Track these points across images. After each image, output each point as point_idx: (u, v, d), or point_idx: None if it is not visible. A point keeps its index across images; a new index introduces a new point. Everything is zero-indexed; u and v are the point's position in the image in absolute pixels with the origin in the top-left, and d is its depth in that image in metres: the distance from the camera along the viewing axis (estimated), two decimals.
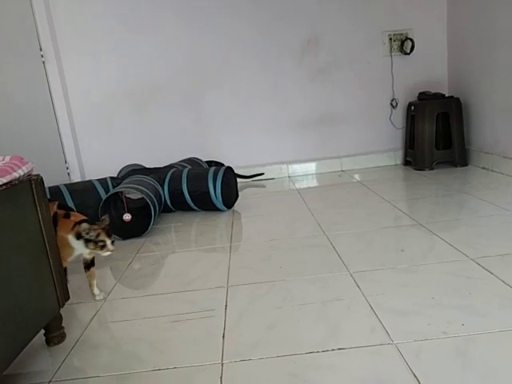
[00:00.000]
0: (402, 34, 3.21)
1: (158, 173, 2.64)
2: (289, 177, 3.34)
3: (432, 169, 3.03)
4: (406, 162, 3.28)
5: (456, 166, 3.03)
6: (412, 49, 3.19)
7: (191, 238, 2.17)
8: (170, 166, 2.79)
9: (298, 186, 3.06)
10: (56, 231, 1.38)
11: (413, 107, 3.14)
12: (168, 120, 3.27)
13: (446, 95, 3.13)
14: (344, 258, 1.64)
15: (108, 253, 1.43)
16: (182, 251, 1.97)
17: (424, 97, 3.11)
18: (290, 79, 3.26)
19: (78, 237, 1.41)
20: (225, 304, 1.38)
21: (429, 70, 3.28)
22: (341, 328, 1.17)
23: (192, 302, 1.43)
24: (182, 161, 2.98)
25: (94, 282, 1.55)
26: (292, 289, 1.44)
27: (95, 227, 1.42)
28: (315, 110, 3.31)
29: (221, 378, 1.02)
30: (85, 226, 1.40)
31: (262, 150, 3.34)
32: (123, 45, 3.15)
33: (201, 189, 2.45)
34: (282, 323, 1.23)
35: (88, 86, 3.19)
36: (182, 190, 2.47)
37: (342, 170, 3.33)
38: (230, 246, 1.94)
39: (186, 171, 2.55)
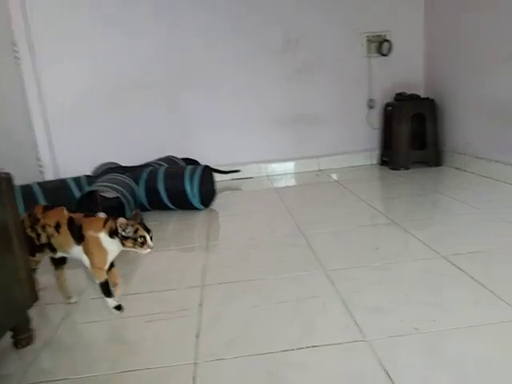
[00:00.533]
0: (379, 36, 3.26)
1: (134, 171, 2.60)
2: (267, 176, 3.34)
3: (407, 169, 3.08)
4: (383, 162, 3.33)
5: (430, 166, 3.10)
6: (389, 50, 3.24)
7: (167, 237, 2.14)
8: (147, 165, 2.75)
9: (276, 185, 3.07)
10: (81, 235, 1.29)
11: (389, 108, 3.19)
12: (143, 117, 3.22)
13: (422, 96, 3.19)
14: (320, 256, 1.65)
15: (148, 250, 1.27)
16: (158, 251, 1.94)
17: (400, 98, 3.16)
18: (268, 78, 3.26)
19: (112, 234, 1.26)
20: (200, 303, 1.37)
21: (405, 71, 3.34)
22: (315, 326, 1.17)
23: (167, 301, 1.41)
24: (158, 159, 2.95)
25: (120, 281, 1.39)
26: (269, 287, 1.43)
27: (132, 222, 1.26)
28: (293, 110, 3.32)
29: (194, 378, 1.00)
30: (122, 220, 1.23)
31: (240, 149, 3.34)
32: (97, 41, 3.09)
33: (178, 187, 2.42)
34: (258, 322, 1.23)
35: (62, 82, 3.11)
36: (158, 188, 2.44)
37: (320, 170, 3.36)
38: (207, 245, 1.93)
39: (162, 170, 2.52)
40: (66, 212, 1.35)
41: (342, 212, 2.23)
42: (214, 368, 1.04)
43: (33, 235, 1.35)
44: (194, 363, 1.06)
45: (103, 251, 1.28)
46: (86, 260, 1.31)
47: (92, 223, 1.30)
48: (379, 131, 3.37)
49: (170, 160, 2.95)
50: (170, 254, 1.89)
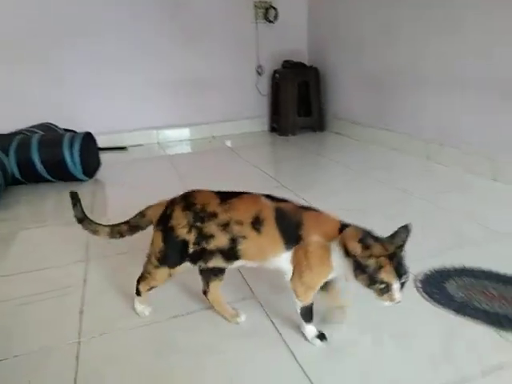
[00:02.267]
0: (266, 2, 3.27)
1: (0, 140, 2.28)
2: (158, 143, 3.22)
3: (295, 134, 3.23)
4: (272, 129, 3.44)
5: (315, 131, 3.29)
6: (276, 17, 3.28)
7: (46, 212, 1.96)
8: (17, 133, 2.43)
9: (168, 152, 2.98)
10: (297, 237, 0.89)
11: (277, 75, 3.27)
12: (17, 80, 2.81)
13: (307, 65, 3.33)
14: None
15: (388, 303, 0.83)
16: (35, 227, 1.76)
17: (287, 65, 3.26)
18: (156, 43, 3.08)
19: (347, 252, 0.84)
20: (84, 279, 1.29)
21: (291, 39, 3.43)
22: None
23: (46, 280, 1.30)
24: (32, 126, 2.62)
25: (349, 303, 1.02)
26: None
27: (379, 251, 0.80)
28: (184, 75, 3.21)
29: (77, 357, 0.95)
30: (355, 246, 0.81)
31: (129, 115, 3.14)
32: None
33: (56, 157, 2.19)
34: None
35: None
36: (32, 158, 2.18)
37: (213, 136, 3.34)
38: (92, 218, 1.81)
39: (36, 138, 2.25)
40: (267, 201, 0.94)
41: (233, 177, 2.27)
42: (100, 344, 1.00)
43: (189, 237, 0.94)
44: (78, 342, 1.00)
45: (325, 266, 0.89)
46: (289, 271, 0.92)
47: (322, 224, 0.90)
48: (268, 98, 3.44)
49: (45, 127, 2.64)
50: (48, 230, 1.73)
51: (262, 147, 3.10)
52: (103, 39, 2.95)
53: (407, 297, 0.84)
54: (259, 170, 2.39)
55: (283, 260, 0.91)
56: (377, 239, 0.81)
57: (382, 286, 0.80)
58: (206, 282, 1.06)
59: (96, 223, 1.09)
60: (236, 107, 3.39)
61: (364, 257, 0.80)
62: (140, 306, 1.09)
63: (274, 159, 2.87)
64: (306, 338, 0.96)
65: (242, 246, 0.92)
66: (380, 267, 0.80)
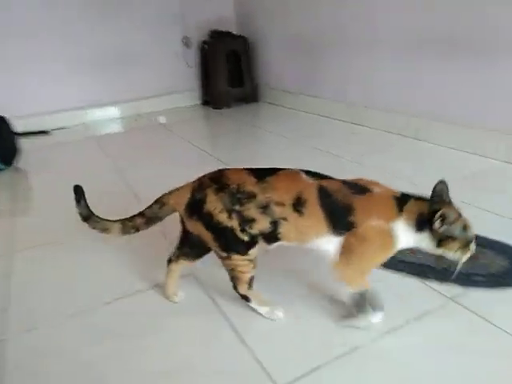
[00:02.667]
0: None
1: None
2: (84, 124, 3.02)
3: (229, 107, 3.18)
4: (205, 102, 3.35)
5: (248, 102, 3.26)
6: None
7: None
8: None
9: (96, 133, 2.81)
10: (347, 222, 0.81)
11: (205, 45, 3.16)
12: None
13: (235, 34, 3.25)
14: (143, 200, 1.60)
15: (466, 257, 0.83)
16: None
17: (215, 35, 3.16)
18: (76, 16, 2.84)
19: (422, 225, 0.80)
20: (9, 272, 1.20)
21: (217, 7, 3.32)
22: (147, 269, 1.16)
23: None
24: None
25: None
26: (82, 246, 1.32)
27: (457, 212, 0.80)
28: (107, 51, 3.00)
29: (2, 355, 0.89)
30: (447, 210, 0.78)
31: (49, 96, 2.90)
32: None
33: None
34: (75, 281, 1.15)
35: None
36: None
37: (139, 114, 3.17)
38: (14, 209, 1.68)
39: None
40: (308, 178, 0.85)
41: (166, 155, 2.20)
42: (28, 340, 0.94)
43: (232, 224, 0.85)
44: (2, 340, 0.93)
45: (387, 250, 0.83)
46: (332, 254, 0.85)
47: (377, 205, 0.81)
48: (198, 70, 3.34)
49: None
50: None
51: (195, 122, 3.02)
52: (18, 13, 2.67)
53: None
54: (193, 145, 2.33)
55: (328, 243, 0.84)
56: (440, 203, 0.79)
57: (468, 242, 0.80)
58: (180, 256, 0.97)
59: (105, 220, 0.94)
60: (165, 82, 3.25)
61: (450, 223, 0.78)
62: (264, 307, 0.93)
63: (208, 133, 2.82)
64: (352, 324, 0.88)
65: (282, 229, 0.84)
66: (465, 226, 0.80)
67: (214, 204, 0.84)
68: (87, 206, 0.94)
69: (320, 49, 2.62)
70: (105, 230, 0.94)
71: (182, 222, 0.93)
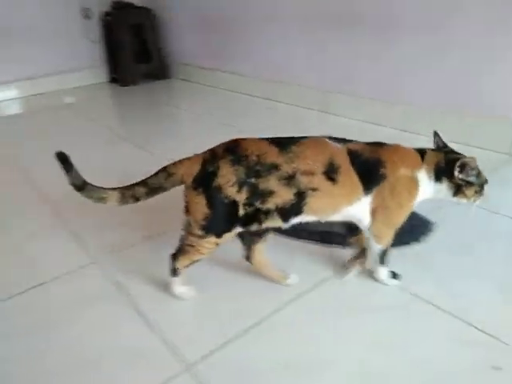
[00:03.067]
0: None
1: None
2: None
3: (137, 84, 3.01)
4: (113, 79, 3.14)
5: (159, 79, 3.11)
6: None
7: None
8: None
9: None
10: (378, 176, 0.83)
11: (108, 17, 2.94)
12: None
13: (139, 5, 3.05)
14: (43, 190, 1.48)
15: (479, 202, 0.88)
16: None
17: (117, 6, 2.95)
18: None
19: (440, 175, 0.85)
20: None
21: None
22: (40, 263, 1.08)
23: None
24: None
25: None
26: None
27: (469, 159, 0.85)
28: None
29: None
30: (469, 160, 0.83)
31: None
32: None
33: None
34: None
35: None
36: None
37: (45, 93, 2.89)
38: None
39: None
40: (336, 144, 0.84)
41: (74, 136, 2.03)
42: None
43: (239, 198, 0.80)
44: None
45: (414, 199, 0.87)
46: (364, 217, 0.87)
47: (402, 155, 0.86)
48: (101, 45, 3.10)
49: None
50: None
51: (102, 100, 2.83)
52: None
53: None
54: (101, 125, 2.19)
55: (360, 207, 0.85)
56: (453, 153, 0.88)
57: (481, 188, 0.87)
58: (249, 246, 0.92)
59: (101, 188, 0.86)
60: (65, 58, 2.97)
61: (470, 171, 0.84)
62: (180, 287, 0.91)
63: (116, 113, 2.67)
64: (377, 279, 0.94)
65: (310, 200, 0.81)
66: (478, 173, 0.85)
67: (227, 177, 0.79)
68: (79, 175, 0.85)
69: (233, 24, 2.57)
70: (101, 199, 0.87)
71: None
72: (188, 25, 2.92)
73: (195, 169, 0.82)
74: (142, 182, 0.86)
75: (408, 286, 0.93)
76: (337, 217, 0.86)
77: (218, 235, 0.84)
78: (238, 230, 0.84)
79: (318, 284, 0.96)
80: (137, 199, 0.86)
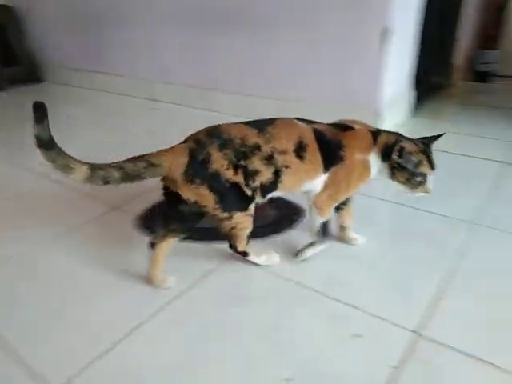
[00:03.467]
0: None
1: None
2: None
3: (4, 90, 2.70)
4: None
5: (30, 83, 2.83)
6: None
7: None
8: None
9: None
10: (336, 156, 0.87)
11: None
12: None
13: None
14: None
15: (421, 194, 0.91)
16: None
17: None
18: None
19: (386, 157, 0.88)
20: None
21: None
22: None
23: None
24: None
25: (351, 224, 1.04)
26: None
27: (417, 149, 0.87)
28: None
29: None
30: (408, 145, 0.85)
31: None
32: None
33: None
34: None
35: None
36: None
37: None
38: None
39: None
40: (303, 124, 0.88)
41: None
42: None
43: (238, 180, 0.81)
44: None
45: (365, 179, 0.91)
46: (316, 191, 0.91)
47: (359, 140, 0.89)
48: None
49: None
50: None
51: None
52: None
53: None
54: None
55: (317, 182, 0.89)
56: (407, 139, 0.89)
57: (420, 179, 0.87)
58: (168, 234, 0.88)
59: (71, 157, 0.76)
60: None
61: (408, 157, 0.85)
62: (261, 257, 0.96)
63: None
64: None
65: (284, 177, 0.86)
66: (419, 163, 0.86)
67: (221, 161, 0.79)
68: (49, 131, 0.74)
69: (106, 24, 2.44)
70: (66, 168, 0.76)
71: (169, 194, 0.82)
72: (56, 24, 2.70)
73: (183, 160, 0.79)
74: (118, 166, 0.78)
75: (282, 272, 0.96)
76: (298, 191, 0.92)
77: (242, 210, 0.85)
78: (253, 203, 0.86)
79: (199, 280, 0.95)
80: (107, 182, 0.78)
